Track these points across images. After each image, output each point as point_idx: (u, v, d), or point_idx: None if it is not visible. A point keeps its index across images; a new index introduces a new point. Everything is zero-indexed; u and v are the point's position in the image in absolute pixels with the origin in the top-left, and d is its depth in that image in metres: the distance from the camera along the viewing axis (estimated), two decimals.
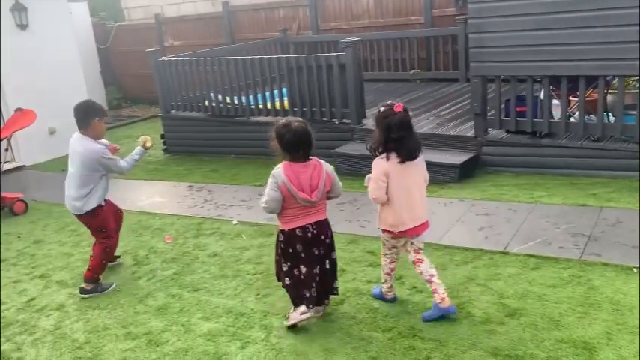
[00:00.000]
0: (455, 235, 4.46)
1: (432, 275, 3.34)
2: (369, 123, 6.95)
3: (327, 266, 3.39)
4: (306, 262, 3.28)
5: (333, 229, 3.44)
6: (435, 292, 3.31)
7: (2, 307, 4.21)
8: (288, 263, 3.32)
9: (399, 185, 3.27)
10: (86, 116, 4.19)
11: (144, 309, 3.90)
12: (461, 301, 3.49)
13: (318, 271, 3.33)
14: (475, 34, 5.52)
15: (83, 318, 3.89)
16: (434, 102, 7.82)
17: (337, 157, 6.59)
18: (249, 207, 5.82)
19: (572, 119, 5.52)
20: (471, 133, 6.06)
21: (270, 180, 3.23)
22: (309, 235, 3.27)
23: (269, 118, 7.63)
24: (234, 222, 5.39)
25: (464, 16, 8.53)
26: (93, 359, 3.38)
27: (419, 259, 3.39)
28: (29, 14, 8.95)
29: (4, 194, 6.55)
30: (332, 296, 3.53)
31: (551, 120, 5.50)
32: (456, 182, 5.65)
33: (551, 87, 5.44)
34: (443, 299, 3.28)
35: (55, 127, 9.13)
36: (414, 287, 3.71)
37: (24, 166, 8.82)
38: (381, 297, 3.62)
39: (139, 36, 13.29)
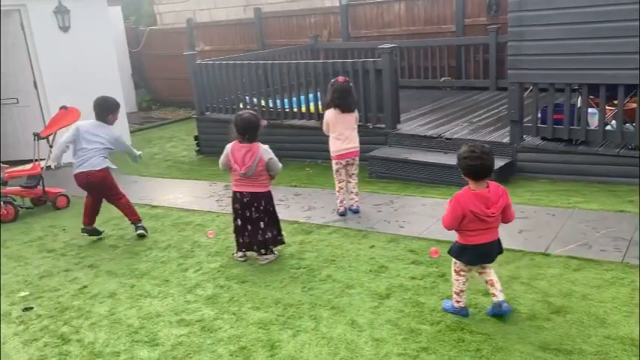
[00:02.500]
0: None
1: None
2: (404, 128, 7.08)
3: (262, 226, 4.46)
4: (241, 218, 4.46)
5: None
6: None
7: (56, 293, 4.38)
8: (234, 215, 4.53)
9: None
10: (105, 110, 5.39)
11: (194, 298, 4.04)
12: (506, 298, 3.56)
13: (249, 227, 4.45)
14: (514, 41, 5.62)
15: (135, 305, 4.04)
16: (466, 109, 7.92)
17: (372, 161, 6.71)
18: (286, 206, 5.95)
19: (608, 127, 5.58)
20: (506, 140, 6.15)
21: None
22: (245, 200, 4.44)
23: (303, 122, 7.82)
24: None
25: (496, 25, 8.66)
26: (149, 342, 3.52)
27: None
28: (71, 17, 9.24)
29: (47, 189, 6.76)
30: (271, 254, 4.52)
31: (588, 128, 5.57)
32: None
33: (589, 96, 5.51)
34: None
35: None
36: None
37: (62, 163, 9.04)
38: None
39: (169, 40, 13.61)
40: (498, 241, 3.34)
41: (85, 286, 4.45)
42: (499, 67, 8.61)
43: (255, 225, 4.48)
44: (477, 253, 3.28)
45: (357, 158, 5.33)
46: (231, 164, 4.37)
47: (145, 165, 8.79)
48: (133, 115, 12.88)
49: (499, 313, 3.33)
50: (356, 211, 5.41)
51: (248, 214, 4.46)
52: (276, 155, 4.52)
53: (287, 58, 9.55)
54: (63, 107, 7.12)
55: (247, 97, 8.29)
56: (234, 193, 4.50)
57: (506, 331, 3.23)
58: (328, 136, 5.33)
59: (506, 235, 4.54)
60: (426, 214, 5.16)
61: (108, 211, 6.41)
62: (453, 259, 3.41)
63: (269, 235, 4.53)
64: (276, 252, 4.62)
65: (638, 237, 4.23)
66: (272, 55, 9.71)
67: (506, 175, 5.94)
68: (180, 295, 4.11)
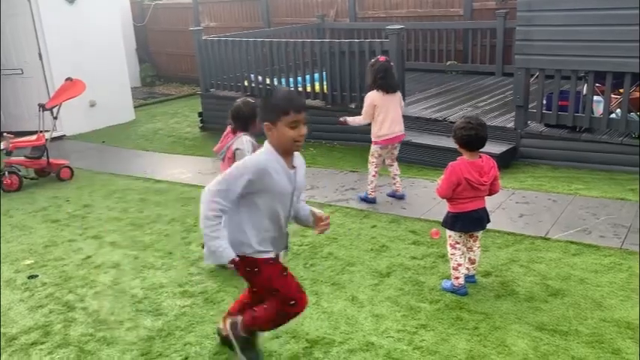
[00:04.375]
0: (496, 220, 4.54)
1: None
2: (409, 111, 7.09)
3: None
4: None
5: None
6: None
7: (61, 262, 4.44)
8: None
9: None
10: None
11: (197, 271, 4.10)
12: (505, 279, 3.64)
13: None
14: (523, 26, 5.60)
15: (139, 276, 4.10)
16: (471, 93, 7.91)
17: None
18: None
19: (613, 116, 5.59)
20: (510, 125, 6.16)
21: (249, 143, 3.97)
22: None
23: (308, 101, 7.80)
24: None
25: (504, 10, 8.60)
26: (153, 312, 3.58)
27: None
28: None
29: (51, 160, 6.80)
30: None
31: (593, 116, 5.58)
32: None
33: (595, 83, 5.51)
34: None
35: (95, 99, 9.39)
36: None
37: (64, 135, 9.08)
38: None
39: (175, 16, 13.51)
40: (486, 210, 3.48)
41: (89, 257, 4.51)
42: (506, 53, 8.58)
43: None
44: (469, 219, 3.41)
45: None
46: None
47: (149, 140, 8.82)
48: (137, 90, 12.85)
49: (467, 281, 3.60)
50: (401, 197, 5.22)
51: None
52: None
53: (293, 36, 9.50)
54: (68, 79, 7.14)
55: (252, 75, 8.27)
56: None
57: (504, 311, 3.29)
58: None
59: (507, 218, 4.61)
60: (428, 196, 5.20)
61: (112, 184, 6.48)
62: (448, 234, 3.50)
63: None
64: None
65: (637, 224, 4.27)
66: (278, 33, 9.66)
67: (508, 160, 5.97)
68: (183, 268, 4.17)
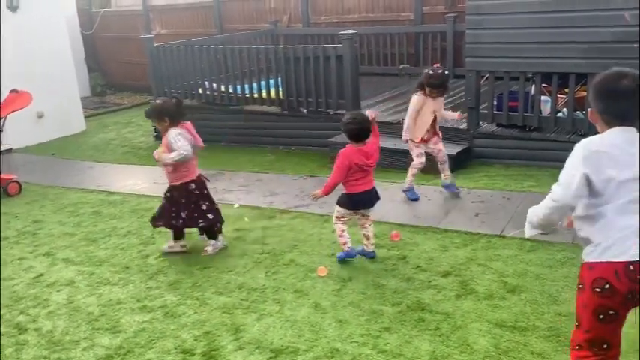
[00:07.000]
0: (453, 220, 4.68)
1: None
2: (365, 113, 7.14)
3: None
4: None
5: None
6: None
7: (10, 282, 4.25)
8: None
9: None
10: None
11: (156, 284, 4.00)
12: (464, 278, 3.70)
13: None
14: (472, 30, 5.74)
15: (95, 293, 3.97)
16: None
17: (333, 146, 6.74)
18: (248, 192, 5.94)
19: (560, 114, 5.80)
20: (463, 126, 6.30)
21: (178, 136, 4.21)
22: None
23: (264, 107, 7.78)
24: (236, 205, 5.51)
25: (453, 14, 8.81)
26: (111, 330, 3.47)
27: None
28: None
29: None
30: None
31: (541, 115, 5.77)
32: (450, 172, 5.86)
33: (542, 84, 5.70)
34: None
35: (43, 111, 9.07)
36: (419, 266, 3.91)
37: (12, 149, 8.73)
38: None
39: (125, 23, 13.23)
40: (375, 190, 3.96)
41: (41, 274, 4.33)
42: (456, 55, 8.77)
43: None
44: (361, 199, 3.92)
45: None
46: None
47: (102, 151, 8.58)
48: (88, 100, 12.49)
49: (365, 255, 4.07)
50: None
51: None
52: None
53: (247, 43, 9.42)
54: (13, 90, 6.87)
55: (207, 83, 8.18)
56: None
57: (464, 310, 3.35)
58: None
59: (464, 218, 4.70)
60: (387, 199, 5.22)
61: (64, 198, 6.27)
62: (336, 210, 4.01)
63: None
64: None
65: None
66: (231, 39, 9.58)
67: (463, 160, 6.10)
68: (141, 282, 4.06)
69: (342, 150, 3.85)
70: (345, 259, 4.07)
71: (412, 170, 5.12)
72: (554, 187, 2.21)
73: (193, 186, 4.35)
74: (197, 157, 4.45)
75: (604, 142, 2.15)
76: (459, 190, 5.22)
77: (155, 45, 8.53)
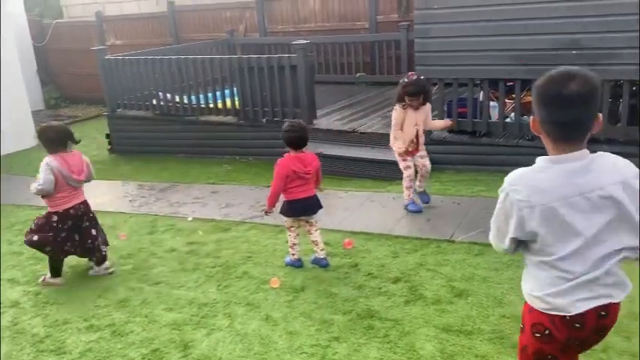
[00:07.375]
0: (404, 227, 4.74)
1: None
2: (320, 123, 7.19)
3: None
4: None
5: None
6: None
7: None
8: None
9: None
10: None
11: (104, 302, 3.92)
12: (413, 284, 3.75)
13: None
14: (420, 39, 5.85)
15: (41, 314, 3.86)
16: (380, 104, 8.15)
17: None
18: (203, 204, 5.89)
19: (508, 120, 5.95)
20: None
21: (45, 166, 3.99)
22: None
23: (219, 118, 7.74)
24: (190, 218, 5.45)
25: (406, 22, 8.96)
26: (56, 352, 3.38)
27: None
28: None
29: None
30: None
31: (490, 120, 5.92)
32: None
33: (490, 90, 5.85)
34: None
35: None
36: (370, 274, 3.94)
37: None
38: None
39: (78, 34, 12.97)
40: (317, 198, 4.02)
41: None
42: (410, 63, 8.89)
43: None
44: (301, 206, 3.97)
45: None
46: (66, 177, 4.09)
47: None
48: (41, 114, 12.16)
49: (318, 264, 4.11)
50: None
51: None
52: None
53: (203, 53, 9.38)
54: None
55: (161, 94, 8.09)
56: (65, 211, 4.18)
57: (413, 316, 3.39)
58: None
59: (415, 224, 4.77)
60: (341, 207, 5.28)
61: (12, 215, 6.09)
62: (285, 219, 4.07)
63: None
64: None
65: None
66: (187, 49, 9.51)
67: None
68: (89, 300, 3.97)
69: (279, 159, 3.93)
70: (293, 265, 4.18)
71: (404, 183, 4.94)
72: (491, 237, 2.04)
73: (72, 212, 4.21)
74: (81, 188, 4.32)
75: (534, 183, 1.82)
76: (430, 199, 5.15)
77: (107, 56, 8.39)
